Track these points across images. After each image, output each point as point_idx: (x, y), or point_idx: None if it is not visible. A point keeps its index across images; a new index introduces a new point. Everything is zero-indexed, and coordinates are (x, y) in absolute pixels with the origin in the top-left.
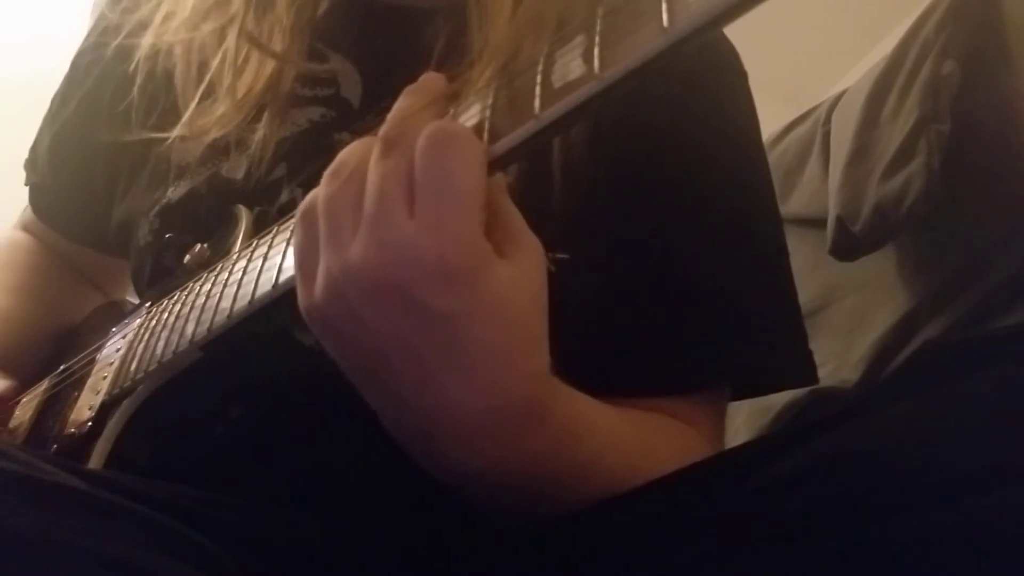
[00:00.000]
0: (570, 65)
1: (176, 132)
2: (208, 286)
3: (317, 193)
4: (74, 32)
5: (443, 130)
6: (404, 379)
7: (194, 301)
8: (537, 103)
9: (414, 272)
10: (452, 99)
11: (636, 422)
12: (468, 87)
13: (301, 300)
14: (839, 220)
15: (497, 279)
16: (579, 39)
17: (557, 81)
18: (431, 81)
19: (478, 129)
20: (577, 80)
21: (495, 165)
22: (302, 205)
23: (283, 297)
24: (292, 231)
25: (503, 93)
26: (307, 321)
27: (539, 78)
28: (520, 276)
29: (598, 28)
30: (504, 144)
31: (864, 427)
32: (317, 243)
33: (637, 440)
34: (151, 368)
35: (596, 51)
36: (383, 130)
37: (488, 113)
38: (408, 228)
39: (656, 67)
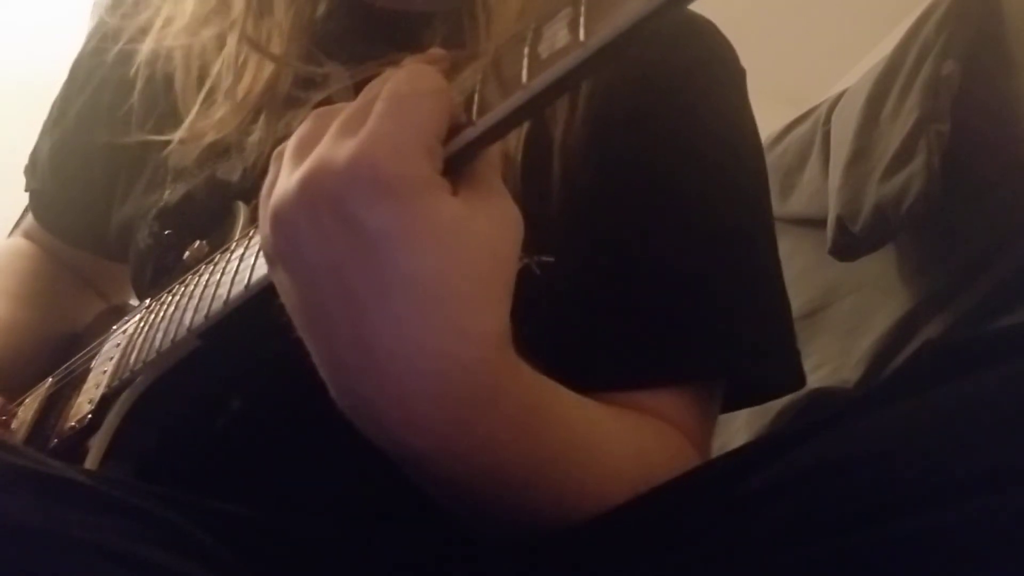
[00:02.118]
0: (556, 35)
1: (176, 135)
2: (206, 276)
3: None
4: (74, 34)
5: (415, 66)
6: (340, 329)
7: (192, 292)
8: (525, 73)
9: (347, 182)
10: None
11: (610, 413)
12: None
13: (260, 234)
14: (839, 220)
15: (441, 210)
16: (566, 11)
17: (544, 51)
18: (434, 53)
19: (468, 102)
20: (563, 48)
21: (486, 137)
22: (279, 148)
23: None
24: None
25: (492, 67)
26: (266, 268)
27: (527, 50)
28: (474, 219)
29: None
30: (493, 116)
31: (863, 428)
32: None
33: (610, 430)
34: (150, 359)
35: (582, 20)
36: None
37: (478, 87)
38: (350, 143)
39: (642, 34)
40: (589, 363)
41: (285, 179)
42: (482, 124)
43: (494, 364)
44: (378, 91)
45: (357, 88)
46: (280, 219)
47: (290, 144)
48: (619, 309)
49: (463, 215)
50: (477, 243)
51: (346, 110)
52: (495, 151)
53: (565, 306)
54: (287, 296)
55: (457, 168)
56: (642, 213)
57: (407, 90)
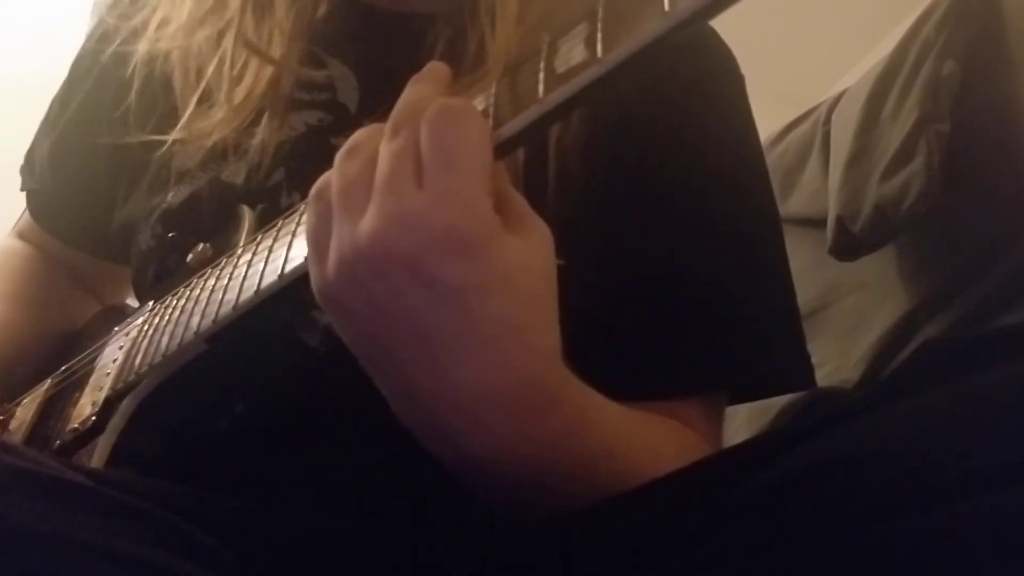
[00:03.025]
0: (573, 51)
1: (175, 136)
2: (212, 281)
3: (331, 173)
4: (73, 34)
5: (448, 105)
6: (414, 361)
7: (199, 296)
8: (541, 88)
9: (423, 243)
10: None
11: (640, 420)
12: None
13: (314, 280)
14: (839, 220)
15: (508, 252)
16: (582, 26)
17: (560, 66)
18: (435, 69)
19: (483, 115)
20: (580, 64)
21: (500, 150)
22: (315, 186)
23: (288, 290)
24: (297, 223)
25: (506, 81)
26: (320, 302)
27: (542, 64)
28: (530, 253)
29: (600, 15)
30: (509, 129)
31: (864, 427)
32: (329, 221)
33: (642, 437)
34: (155, 362)
35: (599, 36)
36: (393, 112)
37: (492, 100)
38: (417, 199)
39: (658, 50)
40: (605, 373)
41: (347, 231)
42: (498, 136)
43: (553, 373)
44: (412, 124)
45: (362, 88)
46: (347, 272)
47: (335, 191)
48: (634, 319)
49: (522, 251)
50: (535, 273)
51: (389, 154)
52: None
53: (576, 313)
54: (347, 331)
55: None
56: (654, 220)
57: (456, 138)
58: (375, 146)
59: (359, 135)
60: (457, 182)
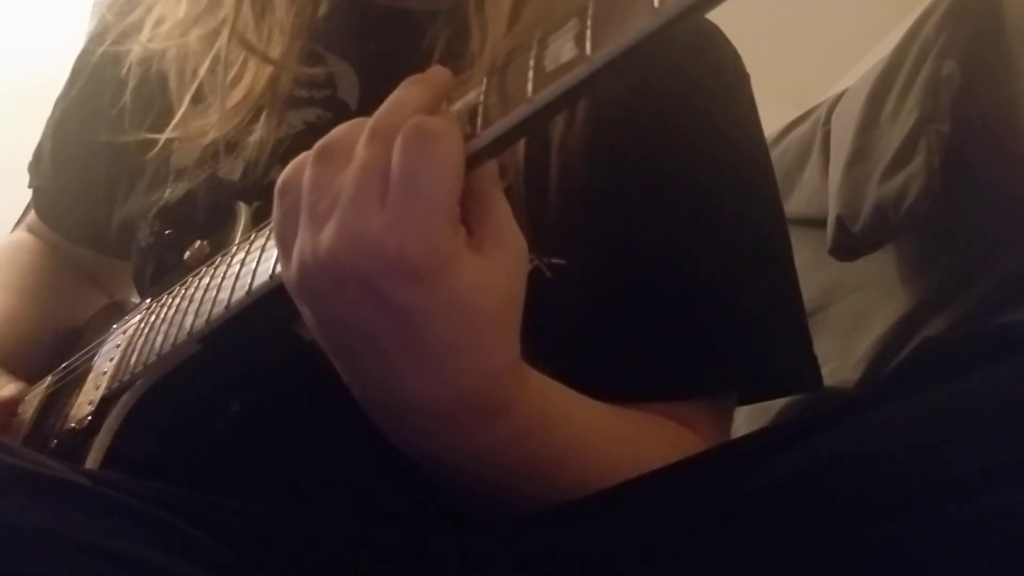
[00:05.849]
0: (562, 48)
1: (172, 135)
2: (207, 279)
3: (300, 165)
4: (74, 33)
5: (423, 127)
6: (364, 362)
7: (193, 294)
8: (530, 86)
9: (376, 265)
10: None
11: (624, 420)
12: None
13: (282, 270)
14: (839, 220)
15: (461, 280)
16: (572, 23)
17: (550, 64)
18: (436, 74)
19: (472, 115)
20: (569, 63)
21: (488, 151)
22: (281, 178)
23: (280, 290)
24: None
25: (496, 79)
26: (290, 293)
27: (532, 62)
28: (491, 274)
29: (590, 11)
30: (497, 128)
31: (863, 426)
32: (295, 219)
33: (621, 438)
34: (150, 361)
35: (588, 34)
36: (375, 116)
37: (482, 99)
38: (376, 221)
39: (648, 49)
40: (606, 375)
41: (308, 238)
42: (486, 136)
43: (503, 386)
44: (389, 134)
45: (362, 85)
46: (306, 277)
47: (305, 191)
48: (635, 320)
49: (481, 272)
50: (494, 295)
51: (360, 165)
52: (493, 162)
53: (579, 312)
54: (312, 324)
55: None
56: (658, 219)
57: (424, 163)
58: (348, 149)
59: (335, 134)
60: (416, 210)
